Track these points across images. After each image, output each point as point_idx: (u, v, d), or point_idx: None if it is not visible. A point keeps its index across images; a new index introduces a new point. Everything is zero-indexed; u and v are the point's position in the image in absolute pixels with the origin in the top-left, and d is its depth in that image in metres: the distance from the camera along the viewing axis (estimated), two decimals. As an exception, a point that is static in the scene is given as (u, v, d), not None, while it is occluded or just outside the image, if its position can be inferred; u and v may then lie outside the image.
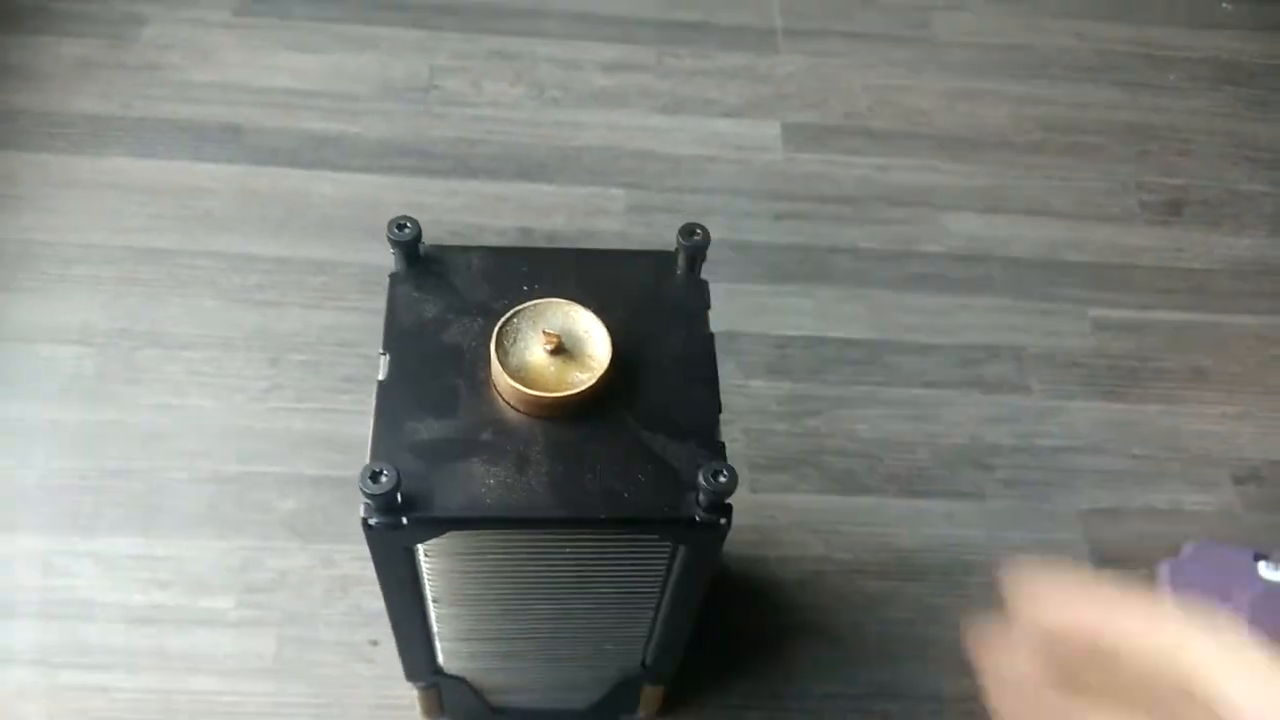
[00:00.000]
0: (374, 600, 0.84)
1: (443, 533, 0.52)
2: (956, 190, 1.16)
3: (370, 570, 0.85)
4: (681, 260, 0.60)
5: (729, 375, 1.00)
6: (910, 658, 0.87)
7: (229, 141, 1.12)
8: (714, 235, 1.06)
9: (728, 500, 0.51)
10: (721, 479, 0.50)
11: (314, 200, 1.09)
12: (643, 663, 0.71)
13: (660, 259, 0.60)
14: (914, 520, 0.93)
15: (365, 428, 0.53)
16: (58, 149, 1.10)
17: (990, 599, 0.87)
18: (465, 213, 1.09)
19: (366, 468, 0.49)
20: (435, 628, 0.65)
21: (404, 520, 0.50)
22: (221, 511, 0.89)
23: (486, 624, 0.64)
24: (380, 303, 0.58)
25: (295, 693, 0.82)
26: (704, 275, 0.61)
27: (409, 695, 0.80)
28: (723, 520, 0.51)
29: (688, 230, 0.59)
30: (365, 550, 0.53)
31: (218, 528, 0.89)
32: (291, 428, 0.94)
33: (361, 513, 0.51)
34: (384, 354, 0.56)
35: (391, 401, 0.54)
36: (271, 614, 0.85)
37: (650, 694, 0.77)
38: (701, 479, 0.50)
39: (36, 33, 1.19)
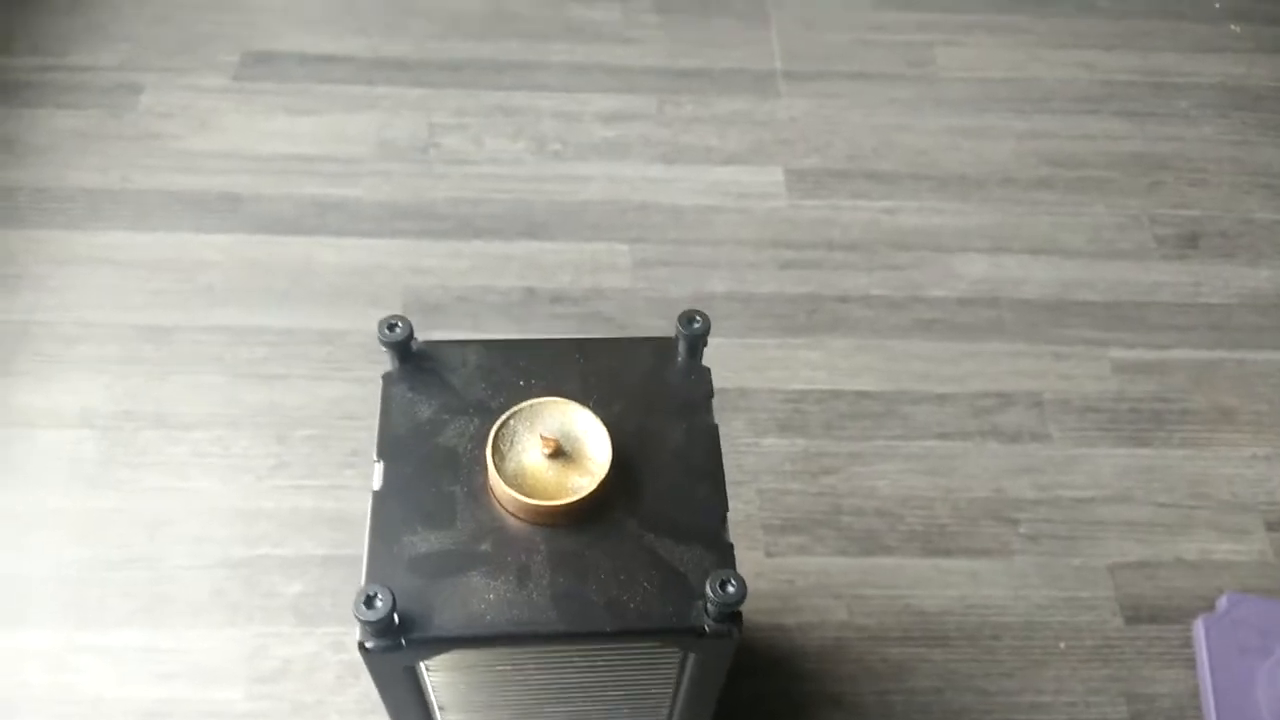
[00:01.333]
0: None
1: (443, 652, 0.50)
2: (964, 231, 1.14)
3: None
4: (682, 348, 0.58)
5: (740, 434, 0.98)
6: (938, 725, 0.84)
7: (229, 211, 1.11)
8: (720, 288, 1.05)
9: (738, 609, 0.49)
10: (730, 589, 0.48)
11: (317, 268, 1.08)
12: (661, 752, 0.69)
13: (660, 345, 0.59)
14: (937, 581, 0.91)
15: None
16: (56, 225, 1.09)
17: (1018, 662, 0.86)
18: (470, 275, 1.08)
19: (361, 591, 0.47)
20: (444, 729, 0.63)
21: (403, 642, 0.48)
22: (228, 598, 0.88)
23: (497, 725, 0.62)
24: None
25: (308, 784, 0.80)
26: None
27: (424, 785, 0.78)
28: (733, 631, 0.49)
29: (687, 318, 0.57)
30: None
31: (225, 615, 0.87)
32: (299, 506, 0.92)
33: (358, 636, 0.49)
34: (378, 461, 0.54)
35: (387, 512, 0.52)
36: (281, 704, 0.83)
37: (670, 779, 0.75)
38: (709, 589, 0.48)
39: (31, 105, 1.18)
